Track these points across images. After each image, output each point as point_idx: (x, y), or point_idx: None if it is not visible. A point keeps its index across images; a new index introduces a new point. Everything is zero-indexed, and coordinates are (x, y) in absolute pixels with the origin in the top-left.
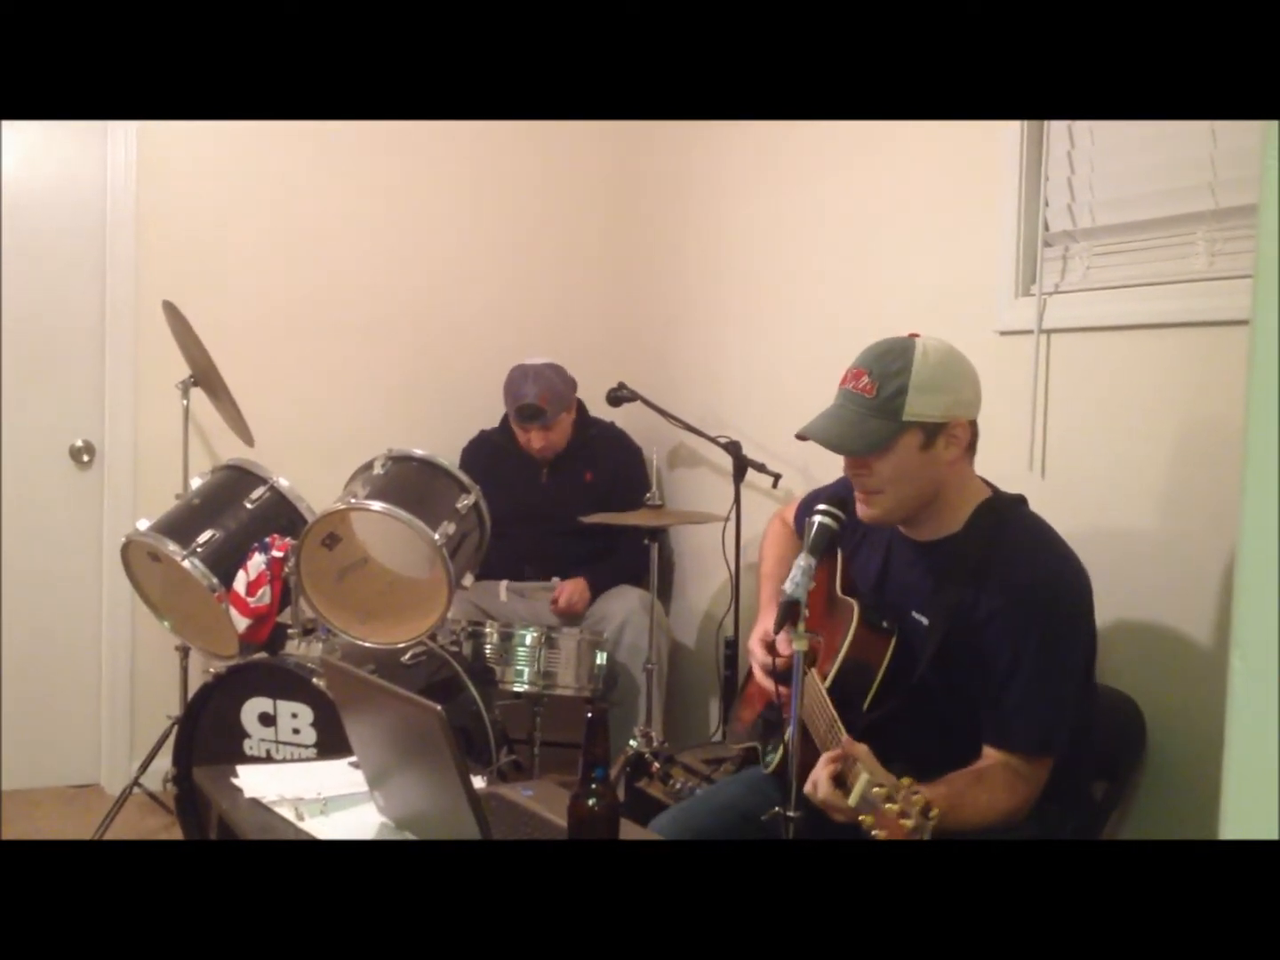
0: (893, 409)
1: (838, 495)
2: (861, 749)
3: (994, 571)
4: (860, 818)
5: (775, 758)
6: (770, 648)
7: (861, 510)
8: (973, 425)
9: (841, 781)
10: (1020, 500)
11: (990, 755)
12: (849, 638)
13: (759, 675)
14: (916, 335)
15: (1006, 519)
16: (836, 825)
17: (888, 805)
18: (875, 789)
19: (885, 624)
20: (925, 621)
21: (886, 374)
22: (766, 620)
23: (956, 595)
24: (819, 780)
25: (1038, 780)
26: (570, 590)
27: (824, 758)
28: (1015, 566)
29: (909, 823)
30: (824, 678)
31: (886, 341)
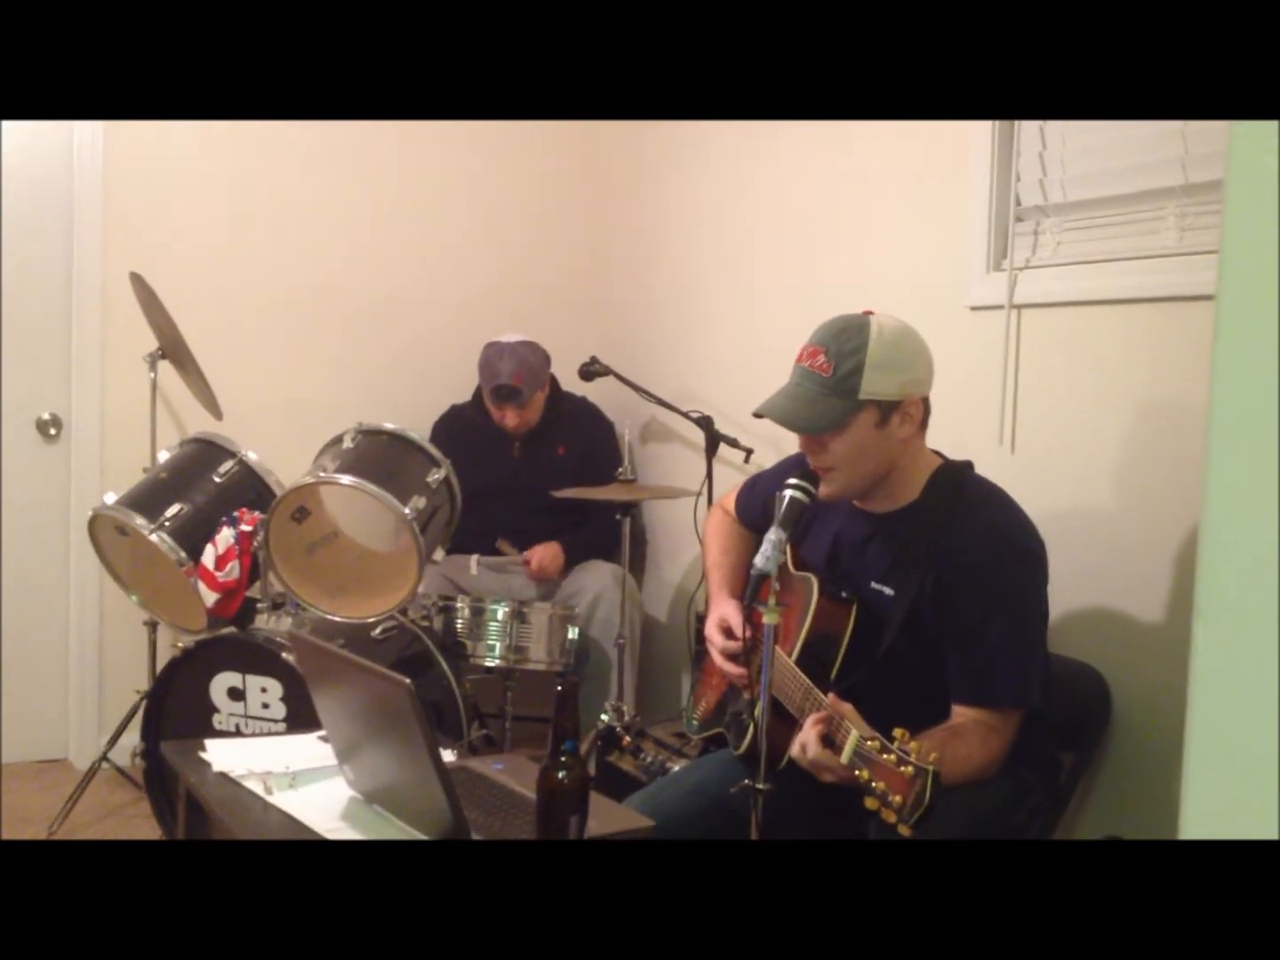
0: (849, 387)
1: (792, 475)
2: (847, 707)
3: (956, 534)
4: (855, 773)
5: (747, 737)
6: (729, 633)
7: (820, 487)
8: (925, 402)
9: (830, 742)
10: (969, 465)
11: (962, 713)
12: (812, 609)
13: (719, 661)
14: (871, 312)
15: (961, 484)
16: (803, 795)
17: (884, 756)
18: (868, 743)
19: (844, 594)
20: (889, 591)
21: (843, 352)
22: (720, 608)
23: (921, 561)
24: (807, 741)
25: (1009, 733)
26: (543, 554)
27: (810, 719)
28: (977, 527)
29: (909, 769)
30: (789, 654)
31: (842, 319)
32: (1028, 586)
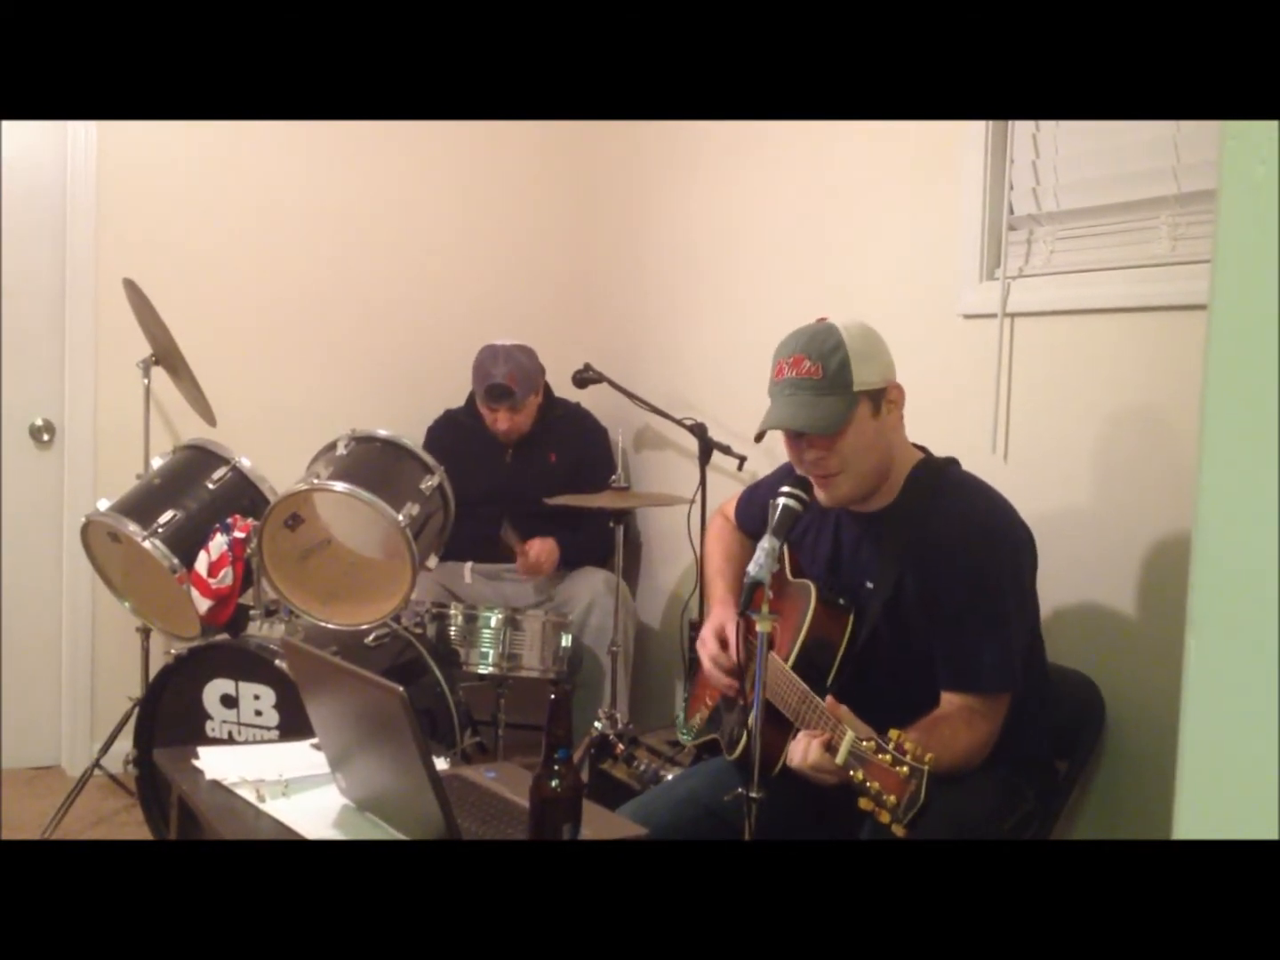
0: (843, 382)
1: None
2: (843, 709)
3: (936, 524)
4: (850, 774)
5: (741, 743)
6: (724, 642)
7: (822, 496)
8: (900, 387)
9: (828, 746)
10: (953, 461)
11: (949, 701)
12: (809, 617)
13: (707, 666)
14: (825, 318)
15: (941, 477)
16: (795, 803)
17: (879, 756)
18: (863, 743)
19: (842, 601)
20: (872, 585)
21: (824, 352)
22: (720, 617)
23: (902, 552)
24: (810, 747)
25: (997, 719)
26: (540, 548)
27: (812, 733)
28: (953, 514)
29: (904, 769)
30: (785, 659)
31: (806, 328)
32: (1006, 571)
